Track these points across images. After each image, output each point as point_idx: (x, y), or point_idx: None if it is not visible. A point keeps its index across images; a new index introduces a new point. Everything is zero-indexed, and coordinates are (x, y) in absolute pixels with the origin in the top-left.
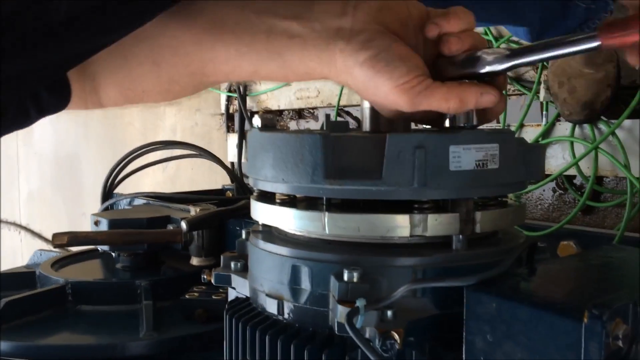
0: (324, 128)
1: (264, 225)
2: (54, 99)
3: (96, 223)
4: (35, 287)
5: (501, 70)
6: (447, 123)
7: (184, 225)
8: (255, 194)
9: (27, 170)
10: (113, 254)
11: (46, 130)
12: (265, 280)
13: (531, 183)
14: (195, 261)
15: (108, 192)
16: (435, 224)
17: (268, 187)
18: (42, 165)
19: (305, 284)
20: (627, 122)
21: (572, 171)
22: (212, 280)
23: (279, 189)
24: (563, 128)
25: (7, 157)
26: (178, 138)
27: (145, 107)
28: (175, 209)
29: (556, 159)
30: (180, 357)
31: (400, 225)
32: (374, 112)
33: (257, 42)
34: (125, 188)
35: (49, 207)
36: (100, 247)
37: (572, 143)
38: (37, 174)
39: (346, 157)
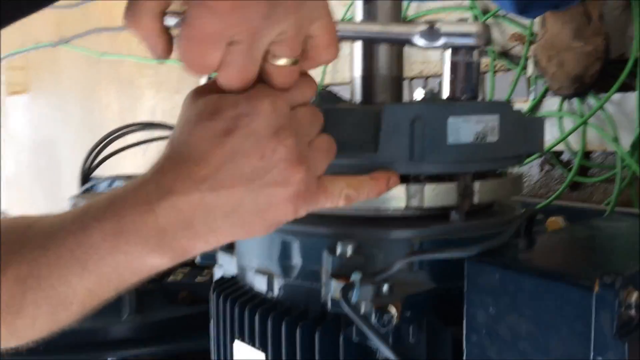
0: (314, 100)
1: None
2: None
3: (74, 206)
4: None
5: None
6: (444, 94)
7: None
8: None
9: (4, 156)
10: None
11: (22, 114)
12: (253, 256)
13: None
14: None
15: (86, 175)
16: (433, 195)
17: None
18: (18, 150)
19: (296, 259)
20: (616, 96)
21: (560, 147)
22: (197, 259)
23: None
24: (551, 103)
25: None
26: (158, 120)
27: (123, 88)
28: None
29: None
30: (163, 340)
31: (396, 196)
32: (366, 82)
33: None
34: (104, 172)
35: (27, 192)
36: None
37: (560, 118)
38: (13, 159)
39: (340, 130)
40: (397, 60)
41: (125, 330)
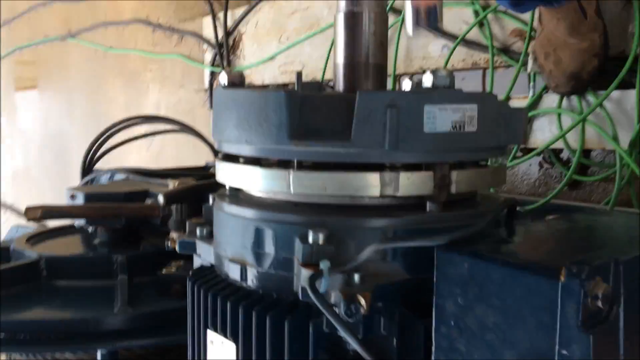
0: (297, 88)
1: (231, 189)
2: None
3: (72, 197)
4: (9, 262)
5: None
6: (426, 82)
7: (161, 198)
8: (219, 155)
9: (12, 149)
10: (90, 229)
11: (30, 108)
12: (228, 245)
13: (517, 157)
14: (174, 236)
15: (88, 167)
16: (408, 184)
17: (232, 149)
18: (27, 144)
19: (269, 247)
20: (615, 94)
21: (559, 145)
22: (177, 248)
23: (243, 150)
24: (550, 100)
25: None
26: (162, 114)
27: (129, 83)
28: (155, 184)
29: (543, 132)
30: (156, 333)
31: (370, 184)
32: (348, 69)
33: None
34: (110, 165)
35: (35, 185)
36: (76, 222)
37: (559, 115)
38: (22, 152)
39: (313, 116)
40: (381, 47)
41: (117, 322)
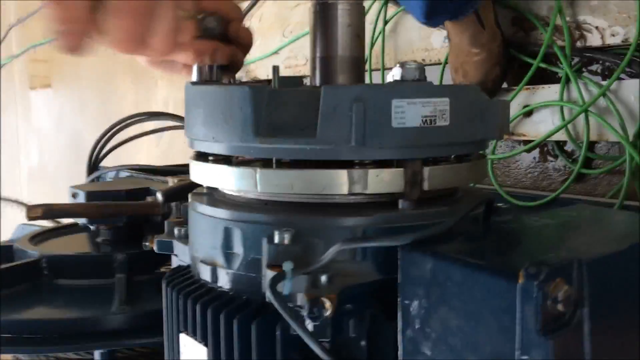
0: (274, 83)
1: (208, 188)
2: None
3: (74, 195)
4: (12, 261)
5: None
6: (395, 76)
7: (159, 196)
8: (192, 154)
9: (28, 147)
10: (92, 228)
11: (45, 106)
12: (200, 245)
13: (518, 145)
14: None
15: (94, 165)
16: (377, 181)
17: (201, 146)
18: (42, 142)
19: (238, 248)
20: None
21: (563, 137)
22: (155, 248)
23: (211, 148)
24: (552, 91)
25: (7, 134)
26: (170, 111)
27: (138, 79)
28: (157, 181)
29: (546, 124)
30: (155, 332)
31: (338, 182)
32: (324, 62)
33: None
34: (121, 162)
35: (51, 183)
36: (80, 221)
37: (562, 107)
38: (37, 151)
39: (279, 112)
40: (357, 40)
41: (115, 322)
